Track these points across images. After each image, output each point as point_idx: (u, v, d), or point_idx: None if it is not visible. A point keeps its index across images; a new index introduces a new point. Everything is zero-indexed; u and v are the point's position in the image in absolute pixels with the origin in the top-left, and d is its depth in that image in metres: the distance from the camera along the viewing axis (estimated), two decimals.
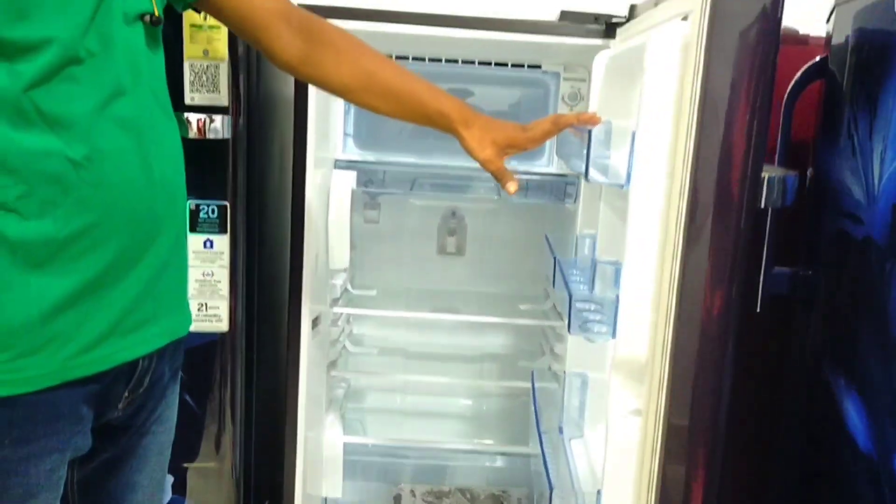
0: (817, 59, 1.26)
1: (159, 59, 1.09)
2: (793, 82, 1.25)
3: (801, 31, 1.45)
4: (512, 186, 1.24)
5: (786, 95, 1.24)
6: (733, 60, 1.02)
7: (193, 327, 1.24)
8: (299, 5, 1.56)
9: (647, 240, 1.11)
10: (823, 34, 1.35)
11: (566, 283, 1.37)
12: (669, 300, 1.07)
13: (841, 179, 1.17)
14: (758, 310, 1.29)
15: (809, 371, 1.28)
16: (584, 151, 1.24)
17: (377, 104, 1.26)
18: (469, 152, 1.24)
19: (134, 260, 1.05)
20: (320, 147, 1.70)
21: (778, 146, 1.26)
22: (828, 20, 1.30)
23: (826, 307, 1.23)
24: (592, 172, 1.24)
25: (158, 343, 1.11)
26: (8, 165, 0.93)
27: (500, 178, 1.25)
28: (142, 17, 1.02)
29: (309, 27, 1.24)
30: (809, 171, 1.30)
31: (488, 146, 1.23)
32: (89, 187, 0.97)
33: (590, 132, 1.25)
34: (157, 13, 1.04)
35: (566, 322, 1.32)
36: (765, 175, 1.12)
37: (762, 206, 1.12)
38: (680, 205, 1.05)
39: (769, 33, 1.01)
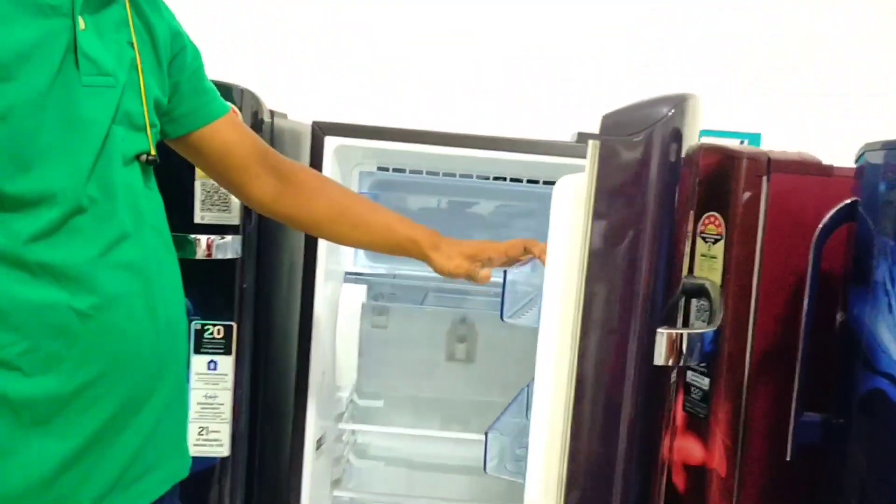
0: (847, 202, 1.22)
1: (155, 194, 1.08)
2: (821, 226, 1.21)
3: (825, 161, 1.42)
4: (484, 277, 1.30)
5: (814, 239, 1.20)
6: (619, 212, 1.01)
7: (192, 452, 1.19)
8: (326, 123, 1.56)
9: (548, 383, 1.11)
10: (846, 163, 1.33)
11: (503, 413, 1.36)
12: (563, 450, 1.05)
13: (875, 334, 1.13)
14: (788, 458, 1.24)
15: None
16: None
17: (349, 235, 1.31)
18: (439, 270, 1.29)
19: (137, 408, 1.01)
20: (330, 260, 1.66)
21: (807, 288, 1.22)
22: (856, 161, 1.27)
23: (863, 470, 1.17)
24: (506, 312, 1.28)
25: (160, 491, 1.08)
26: (10, 322, 0.89)
27: (472, 277, 1.30)
28: (138, 156, 1.01)
29: (281, 167, 1.26)
30: (839, 315, 1.25)
31: (456, 257, 1.29)
32: (95, 337, 0.95)
33: (504, 272, 1.27)
34: (153, 153, 1.03)
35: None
36: (681, 332, 1.09)
37: (671, 363, 1.08)
38: (572, 360, 1.04)
39: (664, 185, 1.00)
